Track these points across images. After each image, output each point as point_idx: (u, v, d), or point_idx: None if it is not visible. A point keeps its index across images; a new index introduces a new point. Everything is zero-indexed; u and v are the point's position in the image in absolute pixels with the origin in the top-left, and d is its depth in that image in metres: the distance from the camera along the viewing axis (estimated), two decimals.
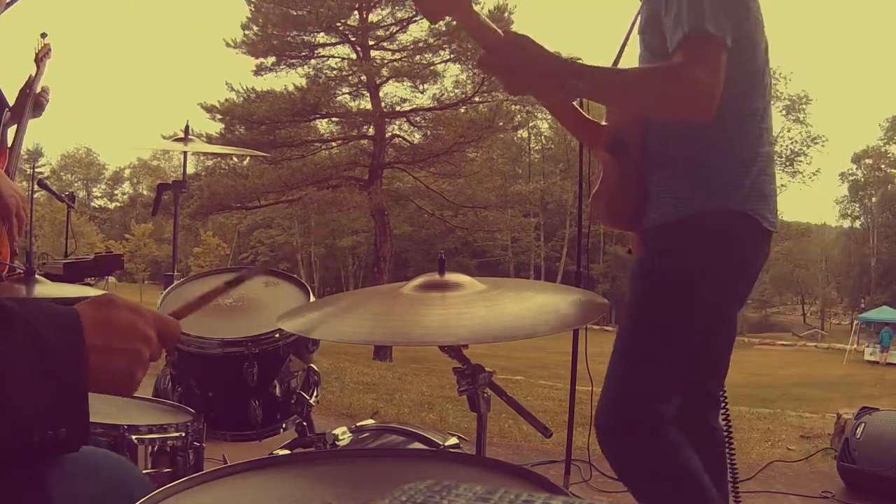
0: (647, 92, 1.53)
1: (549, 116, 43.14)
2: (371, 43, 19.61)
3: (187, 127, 3.06)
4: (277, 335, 1.84)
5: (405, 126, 20.53)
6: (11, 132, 2.46)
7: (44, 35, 2.70)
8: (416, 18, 19.32)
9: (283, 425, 1.96)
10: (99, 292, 2.49)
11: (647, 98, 1.54)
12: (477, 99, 19.32)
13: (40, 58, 2.63)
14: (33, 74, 2.57)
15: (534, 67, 1.46)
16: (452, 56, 19.39)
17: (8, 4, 2.07)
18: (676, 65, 1.50)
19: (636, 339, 1.72)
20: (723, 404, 1.97)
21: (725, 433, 1.94)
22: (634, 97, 1.56)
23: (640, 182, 1.74)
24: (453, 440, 1.67)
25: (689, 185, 1.66)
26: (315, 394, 2.02)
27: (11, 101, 2.50)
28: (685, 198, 1.65)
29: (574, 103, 1.86)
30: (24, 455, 0.74)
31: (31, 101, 2.50)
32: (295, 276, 2.19)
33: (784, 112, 39.97)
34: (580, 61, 3.17)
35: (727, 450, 1.94)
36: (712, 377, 1.85)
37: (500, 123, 19.48)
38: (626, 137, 1.74)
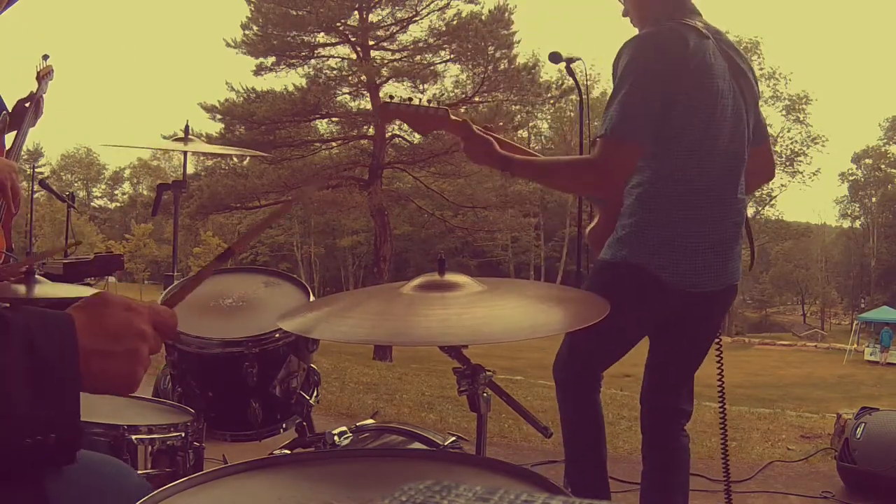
0: (558, 178, 2.10)
1: (549, 116, 43.19)
2: (371, 43, 19.63)
3: (187, 127, 3.06)
4: (277, 335, 1.84)
5: (405, 126, 20.51)
6: (8, 140, 2.46)
7: (45, 57, 2.70)
8: (416, 18, 19.35)
9: (283, 425, 1.96)
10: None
11: (560, 182, 2.16)
12: (477, 99, 19.35)
13: (42, 76, 2.63)
14: (34, 91, 2.57)
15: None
16: (452, 56, 19.42)
17: (7, 5, 2.07)
18: (587, 160, 1.98)
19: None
20: (720, 404, 2.22)
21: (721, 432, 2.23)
22: (551, 181, 2.19)
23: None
24: (453, 440, 1.67)
25: (618, 234, 2.01)
26: (315, 394, 2.02)
27: (10, 106, 2.50)
28: (611, 243, 2.02)
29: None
30: (14, 463, 0.72)
31: (33, 110, 2.49)
32: (295, 276, 2.19)
33: (784, 112, 39.93)
34: (580, 61, 3.16)
35: (722, 449, 2.24)
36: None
37: (500, 123, 19.46)
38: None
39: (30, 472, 0.79)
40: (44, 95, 2.60)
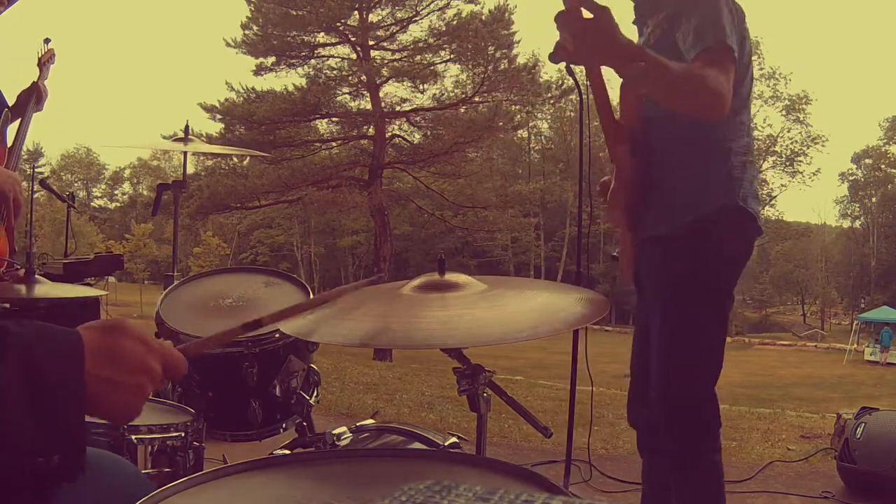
0: (681, 89, 1.59)
1: (549, 116, 43.21)
2: (371, 43, 19.62)
3: (187, 127, 3.06)
4: (277, 335, 1.84)
5: (405, 126, 20.55)
6: (11, 132, 2.46)
7: (47, 40, 2.70)
8: (416, 18, 19.34)
9: (283, 425, 1.96)
10: (99, 292, 2.49)
11: (680, 95, 1.61)
12: (477, 99, 19.34)
13: (43, 62, 2.63)
14: (36, 79, 2.57)
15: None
16: (452, 56, 19.40)
17: (8, 4, 2.07)
18: (703, 71, 1.59)
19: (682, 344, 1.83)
20: None
21: None
22: (673, 91, 1.60)
23: (648, 182, 1.85)
24: (453, 440, 1.67)
25: (690, 189, 1.79)
26: (315, 394, 2.02)
27: (11, 101, 2.50)
28: (689, 202, 1.78)
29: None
30: (16, 482, 0.71)
31: (35, 99, 2.50)
32: (295, 276, 2.19)
33: (784, 112, 39.94)
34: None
35: None
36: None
37: (500, 123, 19.50)
38: (638, 136, 1.83)
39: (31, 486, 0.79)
40: (45, 81, 2.60)
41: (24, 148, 2.58)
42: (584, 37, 1.40)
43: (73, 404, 0.73)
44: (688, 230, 1.77)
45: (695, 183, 1.78)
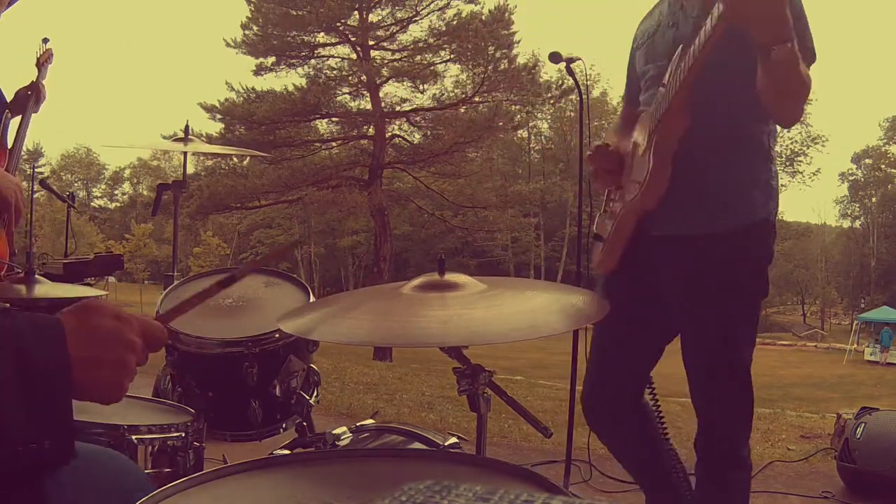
0: (802, 87, 1.56)
1: (549, 116, 43.13)
2: (371, 43, 19.62)
3: (187, 127, 3.06)
4: (277, 335, 1.84)
5: (405, 126, 20.55)
6: (11, 133, 2.45)
7: (45, 40, 2.70)
8: (416, 18, 19.34)
9: (283, 425, 1.96)
10: (99, 292, 2.49)
11: (798, 93, 1.59)
12: (477, 99, 19.33)
13: (42, 62, 2.63)
14: (35, 79, 2.57)
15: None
16: (452, 56, 19.39)
17: (8, 4, 2.07)
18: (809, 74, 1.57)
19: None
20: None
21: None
22: (797, 87, 1.56)
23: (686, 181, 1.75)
24: (453, 440, 1.67)
25: (740, 192, 1.74)
26: (315, 394, 2.02)
27: (8, 99, 2.50)
28: (738, 207, 1.73)
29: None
30: (8, 467, 0.73)
31: (34, 99, 2.50)
32: (295, 276, 2.19)
33: None
34: (580, 61, 3.09)
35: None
36: None
37: (500, 123, 19.49)
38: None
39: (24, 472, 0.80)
40: (44, 81, 2.60)
41: (24, 148, 2.58)
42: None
43: (60, 389, 0.73)
44: (735, 233, 1.73)
45: (745, 187, 1.74)
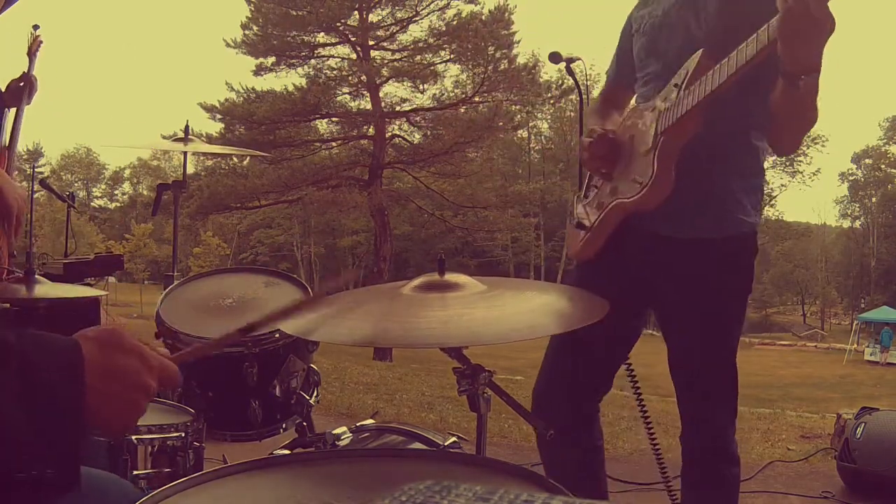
0: (814, 117, 1.60)
1: (549, 116, 43.13)
2: (371, 43, 19.63)
3: (187, 127, 3.06)
4: (277, 335, 1.84)
5: (405, 126, 20.56)
6: (7, 127, 2.45)
7: (36, 27, 2.68)
8: (416, 18, 19.35)
9: (283, 425, 1.96)
10: (99, 292, 2.49)
11: (811, 121, 1.62)
12: (477, 99, 19.34)
13: (33, 51, 2.62)
14: (26, 70, 2.56)
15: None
16: (452, 56, 19.41)
17: (7, 5, 2.07)
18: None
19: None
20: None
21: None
22: (813, 115, 1.59)
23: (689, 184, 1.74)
24: (453, 440, 1.67)
25: (742, 200, 1.76)
26: (315, 394, 2.02)
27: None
28: (738, 213, 1.76)
29: None
30: (9, 495, 0.70)
31: (27, 90, 2.49)
32: (295, 276, 2.19)
33: None
34: (580, 61, 3.08)
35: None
36: None
37: (500, 123, 19.50)
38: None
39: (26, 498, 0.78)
40: (34, 72, 2.59)
41: (24, 148, 2.58)
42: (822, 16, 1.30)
43: (71, 417, 0.71)
44: (734, 238, 1.77)
45: (744, 194, 1.76)
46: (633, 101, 2.01)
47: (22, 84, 2.50)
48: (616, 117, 2.00)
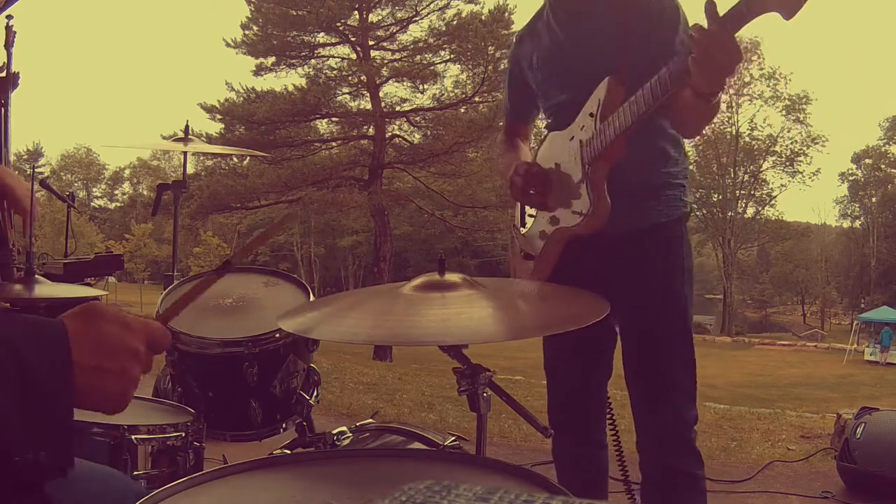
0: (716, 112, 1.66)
1: None
2: (371, 43, 19.63)
3: (187, 127, 3.06)
4: (277, 335, 1.84)
5: (405, 126, 20.55)
6: None
7: (9, 17, 2.65)
8: (416, 18, 19.35)
9: (283, 425, 1.96)
10: (99, 292, 2.49)
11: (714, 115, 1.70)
12: (477, 99, 19.34)
13: (10, 43, 2.60)
14: (5, 62, 2.55)
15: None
16: (452, 56, 19.40)
17: (6, 5, 2.07)
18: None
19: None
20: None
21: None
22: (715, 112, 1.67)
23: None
24: (453, 440, 1.67)
25: (674, 182, 1.87)
26: (315, 394, 2.02)
27: None
28: (664, 195, 1.86)
29: None
30: (4, 479, 0.70)
31: (10, 83, 2.48)
32: (295, 275, 2.19)
33: (784, 112, 39.90)
34: None
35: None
36: None
37: (501, 123, 19.46)
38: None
39: (24, 485, 0.77)
40: (12, 61, 2.58)
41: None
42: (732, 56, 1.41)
43: (61, 397, 0.71)
44: (668, 224, 1.86)
45: (670, 186, 1.87)
46: (542, 129, 2.10)
47: (3, 75, 2.47)
48: (526, 149, 2.12)
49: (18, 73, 2.57)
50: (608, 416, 2.07)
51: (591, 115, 1.72)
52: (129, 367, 0.77)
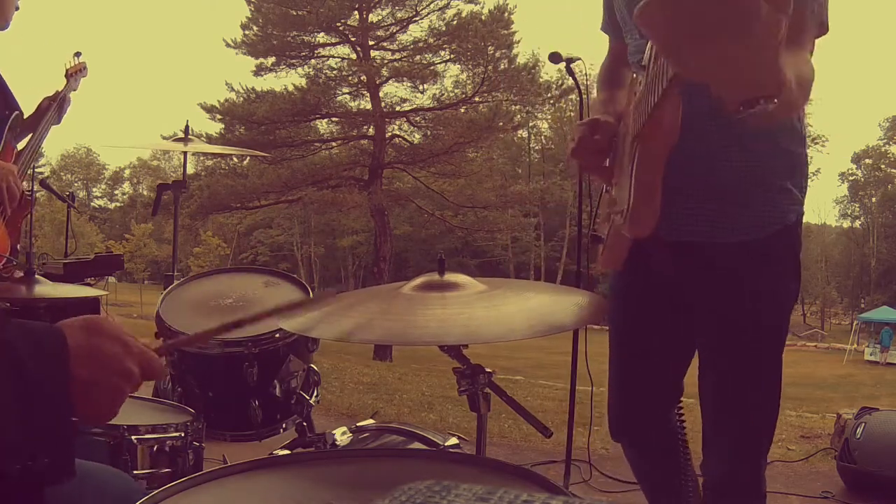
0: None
1: (549, 116, 43.11)
2: (371, 43, 19.63)
3: (187, 127, 3.06)
4: (277, 335, 1.84)
5: (405, 126, 20.55)
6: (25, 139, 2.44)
7: (78, 54, 2.68)
8: (416, 18, 19.35)
9: (283, 425, 1.96)
10: (99, 292, 2.49)
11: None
12: (477, 99, 19.33)
13: (72, 73, 2.61)
14: (60, 89, 2.56)
15: None
16: (452, 56, 19.40)
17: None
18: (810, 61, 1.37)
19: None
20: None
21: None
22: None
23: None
24: (453, 440, 1.67)
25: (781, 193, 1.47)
26: (315, 394, 2.02)
27: (30, 109, 2.48)
28: (780, 195, 1.47)
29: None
30: (6, 486, 0.70)
31: (56, 108, 2.49)
32: (295, 276, 2.19)
33: None
34: (580, 61, 3.05)
35: None
36: None
37: (500, 123, 19.48)
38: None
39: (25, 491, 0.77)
40: (71, 94, 2.59)
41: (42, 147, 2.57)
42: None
43: (58, 404, 0.71)
44: (766, 239, 1.45)
45: (771, 186, 1.45)
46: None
47: (52, 102, 2.49)
48: (621, 95, 1.56)
49: (68, 99, 2.58)
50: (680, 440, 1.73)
51: (644, 66, 1.20)
52: (121, 386, 0.78)
